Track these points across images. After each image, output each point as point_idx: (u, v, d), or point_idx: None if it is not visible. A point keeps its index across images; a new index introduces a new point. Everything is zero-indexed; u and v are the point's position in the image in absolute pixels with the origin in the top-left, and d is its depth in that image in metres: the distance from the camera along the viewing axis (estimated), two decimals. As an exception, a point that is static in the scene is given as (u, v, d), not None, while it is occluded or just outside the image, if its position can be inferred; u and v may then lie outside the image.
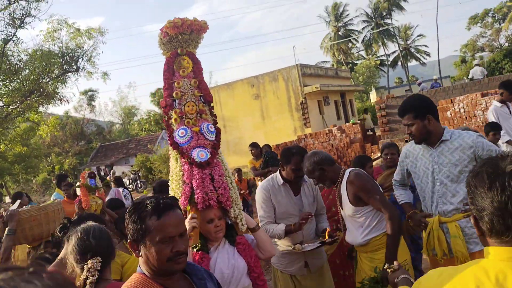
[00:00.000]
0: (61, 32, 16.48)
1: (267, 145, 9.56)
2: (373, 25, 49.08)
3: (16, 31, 15.42)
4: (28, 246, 4.07)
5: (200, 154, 2.75)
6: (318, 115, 21.14)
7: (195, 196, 2.66)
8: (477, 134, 2.92)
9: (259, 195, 3.48)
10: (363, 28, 50.54)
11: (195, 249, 2.59)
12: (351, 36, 50.40)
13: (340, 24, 50.17)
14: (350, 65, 49.57)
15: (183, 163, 2.73)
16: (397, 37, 49.28)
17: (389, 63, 50.83)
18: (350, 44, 51.80)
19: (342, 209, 3.23)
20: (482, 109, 11.12)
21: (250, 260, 2.72)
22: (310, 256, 3.40)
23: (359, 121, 16.74)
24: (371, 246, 3.08)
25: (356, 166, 4.26)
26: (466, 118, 11.36)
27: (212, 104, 2.97)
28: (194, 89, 2.88)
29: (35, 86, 14.71)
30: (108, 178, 15.94)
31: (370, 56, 51.44)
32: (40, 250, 3.81)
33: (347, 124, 15.97)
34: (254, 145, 8.93)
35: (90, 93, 33.68)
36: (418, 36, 51.68)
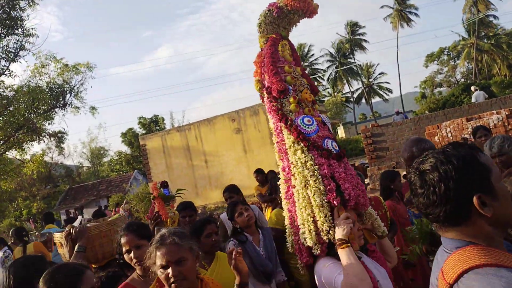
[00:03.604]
0: (49, 67, 16.34)
1: (272, 171, 9.47)
2: (337, 64, 51.23)
3: (9, 65, 15.25)
4: (94, 266, 3.83)
5: (334, 145, 2.40)
6: (299, 147, 21.43)
7: (345, 192, 2.25)
8: None
9: None
10: (328, 67, 52.71)
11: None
12: (317, 75, 52.25)
13: (306, 64, 52.02)
14: (318, 102, 50.96)
15: (315, 156, 2.34)
16: (360, 75, 51.50)
17: (354, 99, 52.86)
18: (316, 82, 53.54)
19: None
20: (468, 133, 11.72)
21: (386, 269, 2.34)
22: None
23: None
24: None
25: (385, 181, 4.29)
26: (453, 141, 11.91)
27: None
28: (302, 77, 2.58)
29: (23, 122, 14.34)
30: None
31: (336, 93, 53.29)
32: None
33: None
34: (259, 171, 8.60)
35: (59, 135, 32.68)
36: (379, 74, 54.28)
